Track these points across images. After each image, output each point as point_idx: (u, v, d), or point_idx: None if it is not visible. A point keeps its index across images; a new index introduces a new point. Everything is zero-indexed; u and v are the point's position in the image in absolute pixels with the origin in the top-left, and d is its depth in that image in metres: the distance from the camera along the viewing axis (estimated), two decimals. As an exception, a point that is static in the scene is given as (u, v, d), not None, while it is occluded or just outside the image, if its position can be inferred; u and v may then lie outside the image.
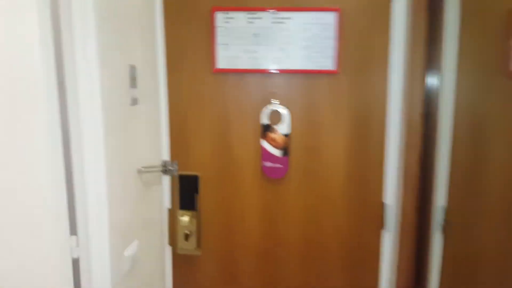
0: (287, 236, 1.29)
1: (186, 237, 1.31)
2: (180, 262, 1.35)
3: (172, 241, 1.33)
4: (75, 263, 0.85)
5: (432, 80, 1.16)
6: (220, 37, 1.19)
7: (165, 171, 1.16)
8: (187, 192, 1.29)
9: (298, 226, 1.28)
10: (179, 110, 1.25)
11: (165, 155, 1.28)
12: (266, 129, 1.22)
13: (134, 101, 1.01)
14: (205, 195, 1.29)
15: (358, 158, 1.23)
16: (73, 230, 0.84)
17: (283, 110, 1.21)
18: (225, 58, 1.20)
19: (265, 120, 1.22)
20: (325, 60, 1.17)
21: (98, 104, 0.82)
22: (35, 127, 0.74)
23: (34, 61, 0.71)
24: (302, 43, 1.17)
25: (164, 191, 1.29)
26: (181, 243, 1.32)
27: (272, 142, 1.23)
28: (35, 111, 0.73)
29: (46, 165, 0.75)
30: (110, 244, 0.88)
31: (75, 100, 0.80)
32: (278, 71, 1.19)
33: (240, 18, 1.17)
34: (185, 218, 1.30)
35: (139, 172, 1.05)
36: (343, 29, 1.16)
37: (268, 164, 1.24)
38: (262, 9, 1.17)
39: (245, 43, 1.18)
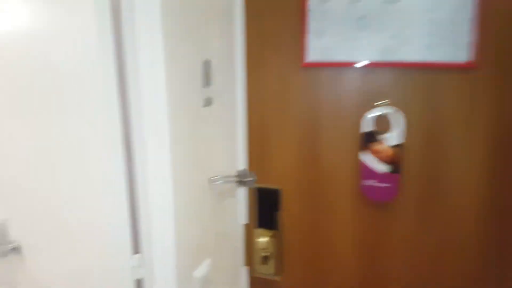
0: (391, 276, 1.15)
1: (265, 259, 1.23)
2: (258, 286, 1.27)
3: (249, 262, 1.27)
4: (138, 284, 0.83)
5: None
6: (313, 23, 1.04)
7: (241, 182, 1.07)
8: (266, 208, 1.21)
9: (407, 266, 1.12)
10: (259, 112, 1.17)
11: (242, 164, 1.20)
12: (369, 139, 1.06)
13: (208, 102, 0.95)
14: (287, 213, 1.20)
15: (501, 183, 1.02)
16: (136, 248, 0.82)
17: (393, 115, 1.04)
18: (318, 49, 1.05)
19: (367, 126, 1.06)
20: (457, 51, 0.96)
21: (164, 105, 0.77)
22: (92, 133, 0.72)
23: (91, 55, 0.67)
24: (424, 28, 0.96)
25: (239, 205, 1.22)
26: (259, 265, 1.25)
27: (377, 155, 1.06)
28: (92, 116, 0.71)
29: (105, 176, 0.74)
30: (178, 263, 0.85)
31: (137, 101, 0.76)
32: (387, 65, 1.02)
33: (340, -2, 1.01)
34: (263, 239, 1.22)
35: (211, 182, 0.99)
36: (486, 8, 0.94)
37: (370, 182, 1.08)
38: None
39: (346, 30, 1.01)
